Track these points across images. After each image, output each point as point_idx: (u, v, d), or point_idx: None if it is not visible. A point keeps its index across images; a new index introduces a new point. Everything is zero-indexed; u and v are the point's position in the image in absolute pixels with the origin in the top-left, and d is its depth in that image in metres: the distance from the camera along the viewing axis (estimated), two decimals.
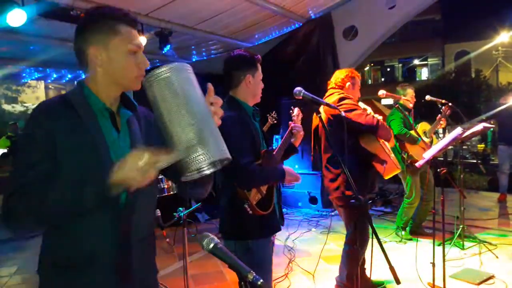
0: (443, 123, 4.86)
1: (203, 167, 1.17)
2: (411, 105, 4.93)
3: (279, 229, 2.42)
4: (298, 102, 2.38)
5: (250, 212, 2.20)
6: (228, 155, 1.20)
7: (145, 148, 1.18)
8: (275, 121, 5.19)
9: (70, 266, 1.33)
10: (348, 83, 3.48)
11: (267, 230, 2.34)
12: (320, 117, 2.29)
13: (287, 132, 2.58)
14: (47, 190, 1.22)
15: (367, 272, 3.64)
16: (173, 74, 1.17)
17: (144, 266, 1.46)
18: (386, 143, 3.43)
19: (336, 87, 3.50)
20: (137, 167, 1.15)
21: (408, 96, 4.93)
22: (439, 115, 4.85)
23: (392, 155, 3.41)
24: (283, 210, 6.45)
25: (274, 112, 5.16)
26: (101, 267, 1.33)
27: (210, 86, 1.28)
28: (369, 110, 3.42)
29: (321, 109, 3.36)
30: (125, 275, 1.37)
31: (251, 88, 2.34)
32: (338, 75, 3.55)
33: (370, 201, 6.77)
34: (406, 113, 4.93)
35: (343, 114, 2.49)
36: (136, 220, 1.39)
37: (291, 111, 2.74)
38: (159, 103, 1.17)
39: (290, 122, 2.63)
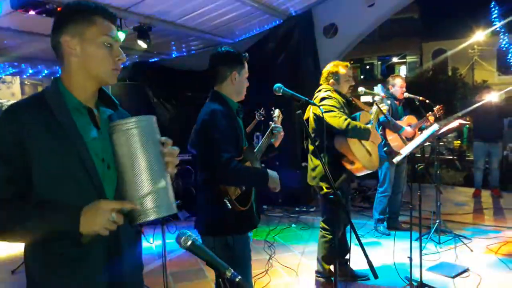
0: (431, 120, 4.93)
1: (151, 219, 1.23)
2: (402, 94, 5.01)
3: (256, 226, 2.44)
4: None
5: (230, 207, 2.20)
6: (175, 211, 1.29)
7: (110, 201, 1.25)
8: (263, 118, 5.15)
9: (61, 266, 1.30)
10: (331, 80, 3.59)
11: (245, 226, 2.36)
12: (299, 114, 2.30)
13: (267, 132, 2.59)
14: (17, 216, 1.22)
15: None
16: (137, 129, 1.23)
17: (132, 262, 1.45)
18: (366, 141, 3.49)
19: (324, 81, 3.63)
20: (108, 218, 1.19)
21: (397, 86, 5.04)
22: (430, 112, 4.94)
23: (368, 155, 3.47)
24: (263, 207, 6.46)
25: (262, 109, 5.12)
26: (93, 265, 1.31)
27: (168, 140, 1.30)
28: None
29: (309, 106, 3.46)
30: (116, 273, 1.36)
31: (236, 85, 2.35)
32: (324, 71, 3.67)
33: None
34: (396, 102, 5.03)
35: (321, 112, 2.55)
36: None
37: (272, 112, 2.75)
38: (119, 152, 1.23)
39: (270, 122, 2.66)
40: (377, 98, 3.99)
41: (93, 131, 1.35)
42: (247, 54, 2.40)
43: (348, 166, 3.37)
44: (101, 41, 1.34)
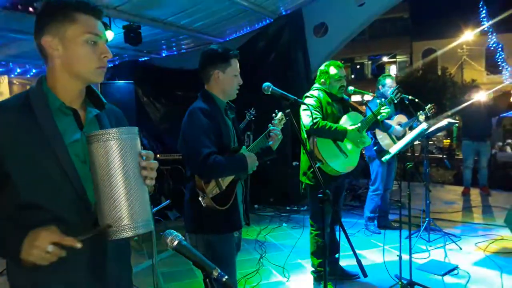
0: (421, 119, 4.93)
1: (127, 236, 1.20)
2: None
3: (240, 227, 2.41)
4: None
5: (204, 205, 2.20)
6: (152, 228, 1.26)
7: (50, 233, 1.19)
8: (253, 118, 5.19)
9: (43, 271, 1.25)
10: (321, 79, 3.63)
11: (226, 227, 2.32)
12: (289, 113, 2.29)
13: (263, 134, 2.50)
14: None
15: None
16: (117, 141, 1.18)
17: (119, 266, 1.43)
18: (342, 142, 3.51)
19: (317, 81, 3.68)
20: (45, 249, 1.16)
21: (387, 86, 5.06)
22: (421, 111, 4.95)
23: (343, 156, 3.49)
24: (255, 206, 6.43)
25: (252, 108, 5.16)
26: (75, 266, 1.29)
27: (149, 153, 1.27)
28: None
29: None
30: (99, 274, 1.33)
31: (221, 84, 2.34)
32: (318, 70, 3.72)
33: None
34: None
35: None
36: None
37: (274, 114, 2.63)
38: (95, 163, 1.19)
39: (269, 124, 2.56)
40: (366, 97, 4.01)
41: (76, 132, 1.32)
42: (235, 51, 2.37)
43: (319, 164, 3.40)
44: (84, 40, 1.29)
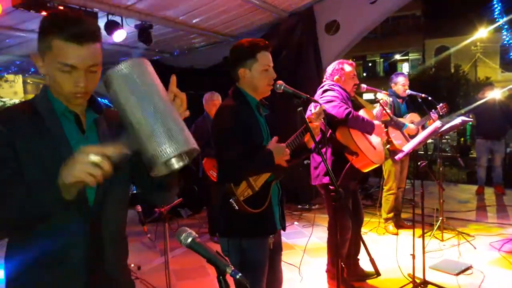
0: (434, 118, 4.88)
1: (171, 160, 1.15)
2: (404, 92, 4.97)
3: (274, 231, 2.27)
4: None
5: (236, 208, 2.10)
6: (196, 146, 1.15)
7: (93, 145, 1.15)
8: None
9: (39, 265, 1.30)
10: (336, 76, 3.59)
11: (259, 231, 2.18)
12: (300, 111, 2.24)
13: (299, 131, 2.28)
14: (6, 195, 1.19)
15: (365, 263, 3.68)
16: (132, 69, 1.15)
17: (117, 267, 1.44)
18: (371, 136, 3.49)
19: (328, 78, 3.64)
20: (87, 161, 1.08)
21: (400, 84, 5.01)
22: (433, 110, 4.90)
23: (372, 148, 3.45)
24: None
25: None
26: (71, 266, 1.32)
27: (173, 77, 1.26)
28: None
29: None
30: (96, 274, 1.36)
31: (248, 82, 2.22)
32: (328, 68, 3.68)
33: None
34: (399, 100, 5.00)
35: (325, 106, 2.53)
36: (106, 220, 1.37)
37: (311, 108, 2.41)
38: (121, 100, 1.15)
39: (308, 115, 2.34)
40: (379, 95, 3.99)
41: (78, 135, 1.37)
42: (261, 44, 2.21)
43: (351, 158, 3.32)
44: (56, 67, 1.29)
